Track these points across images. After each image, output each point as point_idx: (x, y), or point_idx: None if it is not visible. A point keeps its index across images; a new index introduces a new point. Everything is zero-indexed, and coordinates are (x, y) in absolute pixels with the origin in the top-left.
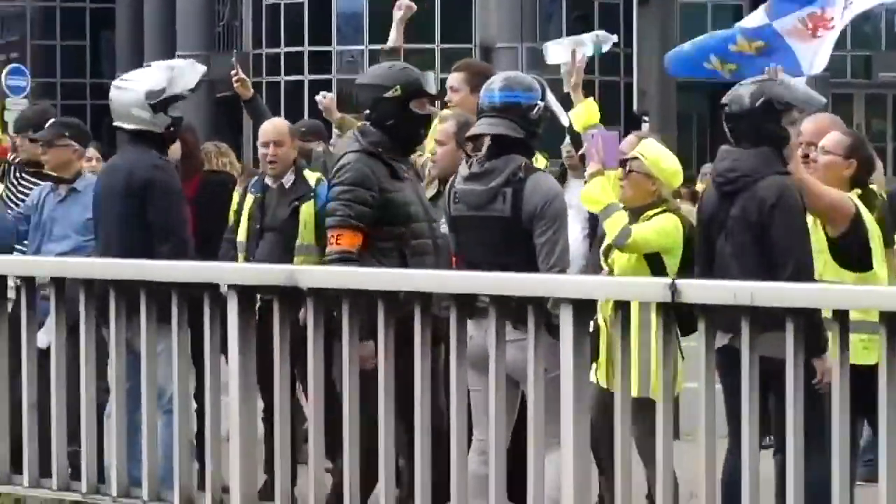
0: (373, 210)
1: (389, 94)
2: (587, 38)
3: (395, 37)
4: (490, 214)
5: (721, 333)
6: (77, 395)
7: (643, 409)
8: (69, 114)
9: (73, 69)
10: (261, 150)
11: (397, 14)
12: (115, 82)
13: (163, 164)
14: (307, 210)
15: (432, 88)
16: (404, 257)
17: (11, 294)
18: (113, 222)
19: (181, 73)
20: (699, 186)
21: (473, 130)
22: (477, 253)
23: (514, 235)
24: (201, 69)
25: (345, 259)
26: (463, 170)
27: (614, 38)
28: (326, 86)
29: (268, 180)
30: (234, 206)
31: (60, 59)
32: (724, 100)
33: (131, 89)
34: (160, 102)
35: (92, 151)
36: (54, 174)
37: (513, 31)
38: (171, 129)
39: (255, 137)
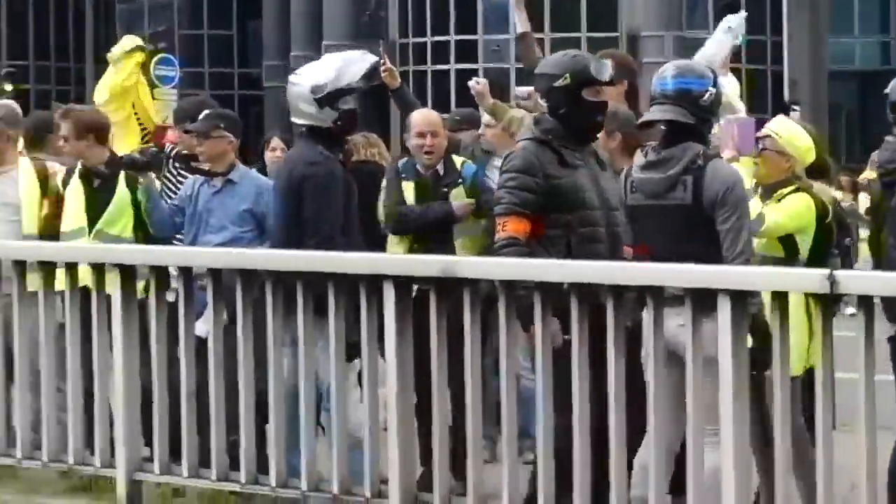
0: (538, 196)
1: (559, 83)
2: (726, 31)
3: (519, 22)
4: (670, 203)
5: (890, 324)
6: (236, 385)
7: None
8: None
9: (220, 59)
10: (415, 141)
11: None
12: (290, 77)
13: (322, 160)
14: (458, 193)
15: (603, 75)
16: (570, 245)
17: (173, 283)
18: (275, 216)
19: (348, 65)
20: (866, 175)
21: (646, 117)
22: (657, 241)
23: (695, 223)
24: (371, 59)
25: (511, 245)
26: (639, 158)
27: (743, 14)
28: (472, 75)
29: (420, 168)
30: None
31: (208, 49)
32: (888, 89)
33: (299, 84)
34: (326, 97)
35: (276, 142)
36: (208, 166)
37: (659, 20)
38: (339, 122)
39: (402, 127)
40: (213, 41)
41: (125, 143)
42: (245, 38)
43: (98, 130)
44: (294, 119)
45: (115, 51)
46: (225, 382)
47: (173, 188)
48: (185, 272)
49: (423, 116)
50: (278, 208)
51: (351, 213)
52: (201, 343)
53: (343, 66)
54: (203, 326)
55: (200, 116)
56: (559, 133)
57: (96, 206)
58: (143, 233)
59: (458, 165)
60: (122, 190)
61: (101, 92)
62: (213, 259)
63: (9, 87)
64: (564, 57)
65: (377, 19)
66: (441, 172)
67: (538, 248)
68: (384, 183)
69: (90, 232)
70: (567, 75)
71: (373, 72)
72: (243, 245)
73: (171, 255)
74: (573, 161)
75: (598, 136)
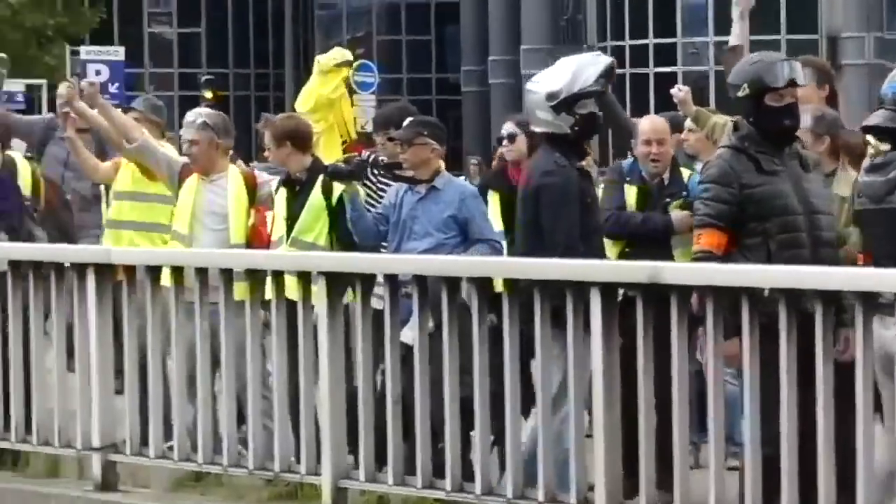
0: (733, 207)
1: (741, 93)
2: None
3: (736, 33)
4: (890, 206)
5: None
6: (440, 392)
7: None
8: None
9: (418, 64)
10: (642, 149)
11: (735, 10)
12: (527, 84)
13: (556, 170)
14: (674, 206)
15: (780, 80)
16: (770, 252)
17: (379, 290)
18: (517, 225)
19: (582, 69)
20: None
21: (867, 121)
22: (878, 246)
23: None
24: (605, 60)
25: (705, 258)
26: (866, 162)
27: None
28: (671, 78)
29: (645, 174)
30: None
31: (406, 55)
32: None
33: (535, 91)
34: (562, 102)
35: None
36: (411, 174)
37: (860, 20)
38: (576, 128)
39: (606, 132)
40: (411, 46)
41: (326, 153)
42: (443, 44)
43: (297, 138)
44: (533, 127)
45: (323, 60)
46: (430, 389)
47: (374, 196)
48: (391, 279)
49: (650, 124)
50: (520, 217)
51: (590, 220)
52: (407, 350)
53: (577, 69)
54: (409, 333)
55: (404, 124)
56: (755, 139)
57: (294, 213)
58: (339, 239)
59: (686, 177)
60: (315, 196)
61: (306, 101)
62: (418, 266)
63: (208, 95)
64: (743, 65)
65: (575, 23)
66: (666, 181)
67: (738, 258)
68: (602, 182)
69: (287, 239)
70: (745, 85)
71: (608, 73)
72: (447, 251)
73: (378, 262)
74: (771, 167)
75: (793, 139)
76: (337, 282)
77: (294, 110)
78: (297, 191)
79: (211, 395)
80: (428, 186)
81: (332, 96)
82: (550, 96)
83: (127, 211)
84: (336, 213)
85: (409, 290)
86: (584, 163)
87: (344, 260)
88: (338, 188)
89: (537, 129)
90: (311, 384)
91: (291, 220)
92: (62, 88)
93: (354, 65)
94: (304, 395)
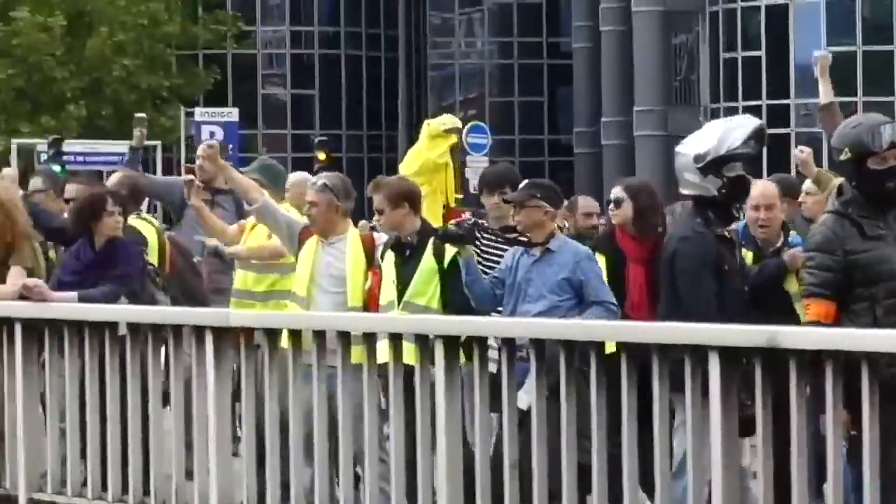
0: (838, 274)
1: (842, 157)
2: None
3: (822, 91)
4: None
5: None
6: (557, 456)
7: None
8: (527, 172)
9: (530, 126)
10: (750, 214)
11: (816, 69)
12: (676, 147)
13: (693, 235)
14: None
15: (880, 143)
16: (876, 318)
17: (493, 354)
18: (661, 287)
19: (729, 131)
20: None
21: None
22: None
23: None
24: (754, 123)
25: None
26: None
27: None
28: (784, 140)
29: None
30: None
31: (518, 116)
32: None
33: (684, 153)
34: (709, 164)
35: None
36: (527, 237)
37: None
38: (724, 190)
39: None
40: (523, 108)
41: (429, 217)
42: (555, 105)
43: (413, 199)
44: (682, 190)
45: (433, 125)
46: (548, 453)
47: (480, 259)
48: (508, 343)
49: (759, 188)
50: (662, 280)
51: (730, 287)
52: (523, 414)
53: (724, 131)
54: (525, 397)
55: (520, 186)
56: (858, 203)
57: (404, 276)
58: (450, 303)
59: (790, 237)
60: (427, 260)
61: (412, 163)
62: (535, 329)
63: (321, 156)
64: (844, 129)
65: (688, 84)
66: (778, 245)
67: (845, 323)
68: None
69: (398, 303)
70: (847, 149)
71: (757, 135)
72: (561, 314)
73: (495, 326)
74: (875, 231)
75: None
76: (454, 345)
77: None
78: (408, 255)
79: (328, 458)
80: (543, 249)
81: (438, 161)
82: (698, 158)
83: (252, 282)
84: (447, 276)
85: (524, 353)
86: (731, 228)
87: (461, 323)
88: (449, 251)
89: (685, 192)
90: (429, 448)
91: (402, 283)
92: (200, 150)
93: (467, 126)
94: (420, 459)
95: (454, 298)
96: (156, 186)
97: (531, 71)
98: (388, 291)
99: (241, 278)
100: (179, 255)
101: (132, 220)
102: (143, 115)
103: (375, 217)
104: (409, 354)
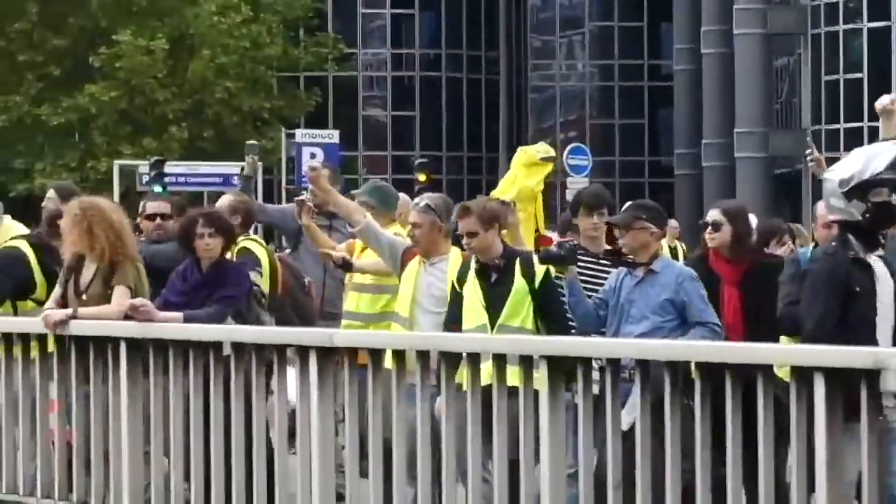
0: None
1: None
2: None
3: (883, 128)
4: None
5: None
6: (661, 476)
7: None
8: (628, 193)
9: (631, 147)
10: (820, 232)
11: (878, 106)
12: (824, 174)
13: (823, 256)
14: None
15: None
16: None
17: (596, 375)
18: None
19: (873, 157)
20: None
21: None
22: None
23: None
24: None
25: None
26: None
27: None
28: None
29: None
30: None
31: (619, 138)
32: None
33: (830, 179)
34: (854, 189)
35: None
36: (631, 258)
37: None
38: (868, 215)
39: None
40: (623, 130)
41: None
42: (656, 127)
43: (501, 221)
44: (829, 215)
45: (530, 152)
46: (651, 474)
47: (589, 282)
48: (613, 363)
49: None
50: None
51: (855, 311)
52: (625, 434)
53: (869, 157)
54: (626, 418)
55: (623, 208)
56: None
57: (493, 299)
58: (543, 324)
59: None
60: (519, 282)
61: (507, 190)
62: (640, 350)
63: (422, 178)
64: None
65: (789, 106)
66: None
67: None
68: (781, 277)
69: (492, 327)
70: None
71: None
72: (663, 335)
73: (600, 346)
74: None
75: None
76: (559, 366)
77: None
78: (495, 278)
79: (431, 478)
80: (646, 269)
81: (536, 189)
82: (842, 183)
83: (367, 304)
84: (539, 295)
85: (627, 374)
86: (876, 253)
87: (566, 344)
88: (538, 273)
89: (831, 217)
90: (532, 468)
91: (490, 307)
92: (306, 168)
93: (568, 148)
94: (523, 480)
95: (546, 320)
96: (270, 214)
97: (632, 93)
98: (477, 315)
99: (355, 300)
100: (291, 275)
101: (245, 242)
102: (255, 142)
103: (465, 240)
104: (513, 376)
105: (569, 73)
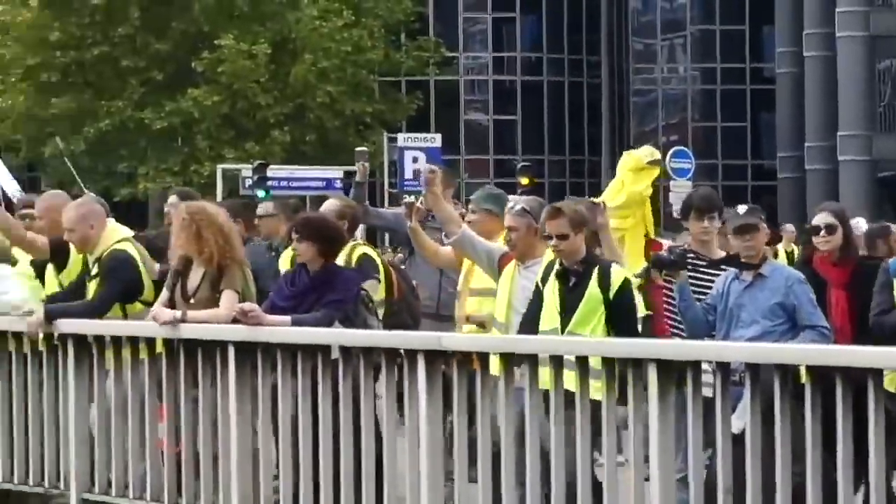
0: None
1: None
2: None
3: None
4: None
5: None
6: (772, 481)
7: None
8: (730, 196)
9: (733, 150)
10: None
11: None
12: None
13: None
14: None
15: None
16: None
17: (708, 378)
18: None
19: None
20: None
21: None
22: None
23: None
24: None
25: None
26: None
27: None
28: None
29: None
30: None
31: (721, 141)
32: None
33: None
34: None
35: None
36: (749, 262)
37: None
38: None
39: None
40: (726, 133)
41: (631, 248)
42: (758, 130)
43: (591, 222)
44: None
45: (636, 156)
46: (762, 479)
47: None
48: (722, 367)
49: None
50: None
51: None
52: (735, 438)
53: None
54: (737, 422)
55: (744, 212)
56: None
57: (568, 304)
58: (614, 333)
59: None
60: (593, 289)
61: (615, 196)
62: (751, 353)
63: (524, 181)
64: None
65: (893, 109)
66: None
67: None
68: (875, 286)
69: (562, 331)
70: None
71: None
72: (774, 339)
73: (710, 350)
74: None
75: None
76: (667, 369)
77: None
78: (574, 283)
79: (539, 481)
80: (754, 274)
81: (644, 193)
82: None
83: (476, 308)
84: (612, 305)
85: (738, 377)
86: None
87: (677, 347)
88: (615, 281)
89: None
90: (642, 475)
91: (565, 311)
92: (425, 168)
93: (670, 151)
94: (634, 484)
95: (618, 328)
96: (385, 218)
97: (734, 96)
98: (551, 318)
99: (476, 305)
100: (402, 279)
101: (363, 248)
102: (364, 148)
103: (554, 242)
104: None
105: (670, 77)
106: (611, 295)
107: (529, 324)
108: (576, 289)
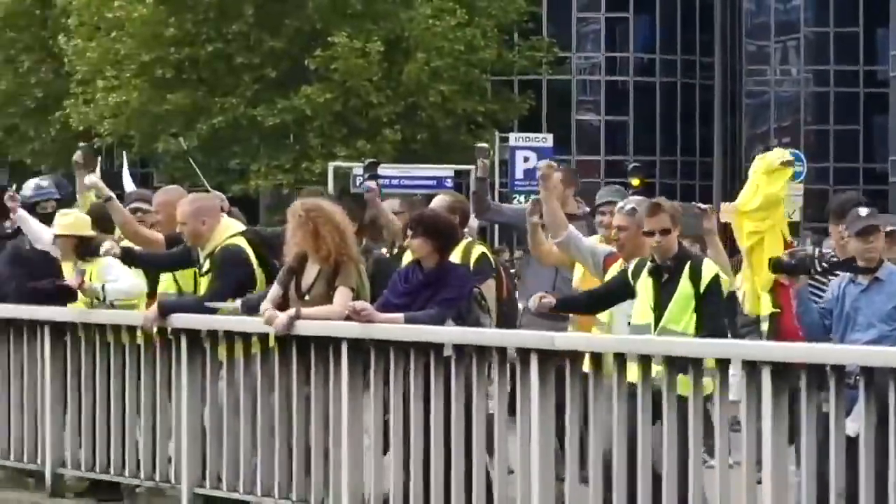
0: None
1: None
2: None
3: None
4: None
5: None
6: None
7: None
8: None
9: (845, 154)
10: None
11: None
12: None
13: None
14: None
15: None
16: None
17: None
18: None
19: None
20: None
21: None
22: None
23: None
24: None
25: None
26: None
27: None
28: None
29: None
30: None
31: (833, 144)
32: None
33: None
34: None
35: None
36: (861, 266)
37: None
38: None
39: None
40: (838, 136)
41: (769, 252)
42: (871, 133)
43: (678, 223)
44: None
45: (769, 159)
46: (875, 483)
47: (814, 291)
48: (837, 370)
49: None
50: None
51: None
52: (850, 441)
53: None
54: (852, 425)
55: (865, 215)
56: None
57: (661, 300)
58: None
59: None
60: (685, 286)
61: (751, 200)
62: (865, 357)
63: (635, 182)
64: None
65: None
66: None
67: None
68: None
69: (655, 328)
70: None
71: None
72: (891, 343)
73: (823, 353)
74: None
75: None
76: (784, 374)
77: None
78: (666, 279)
79: (626, 480)
80: (871, 278)
81: (780, 194)
82: None
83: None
84: (700, 299)
85: (852, 381)
86: None
87: (792, 350)
88: (706, 277)
89: None
90: (754, 477)
91: (658, 308)
92: (542, 166)
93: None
94: (745, 487)
95: (706, 326)
96: (506, 215)
97: (847, 99)
98: (644, 314)
99: None
100: (507, 277)
101: (483, 247)
102: (485, 144)
103: (657, 237)
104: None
105: (783, 79)
106: (701, 289)
107: (596, 296)
108: (668, 284)
